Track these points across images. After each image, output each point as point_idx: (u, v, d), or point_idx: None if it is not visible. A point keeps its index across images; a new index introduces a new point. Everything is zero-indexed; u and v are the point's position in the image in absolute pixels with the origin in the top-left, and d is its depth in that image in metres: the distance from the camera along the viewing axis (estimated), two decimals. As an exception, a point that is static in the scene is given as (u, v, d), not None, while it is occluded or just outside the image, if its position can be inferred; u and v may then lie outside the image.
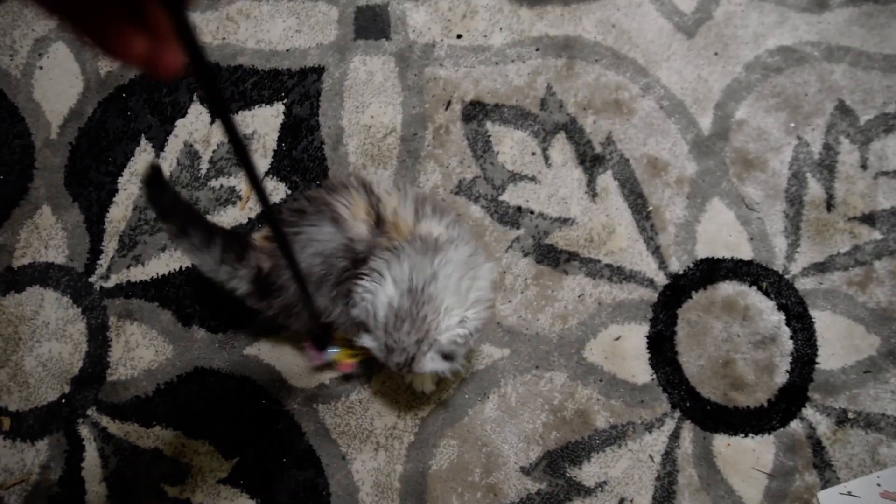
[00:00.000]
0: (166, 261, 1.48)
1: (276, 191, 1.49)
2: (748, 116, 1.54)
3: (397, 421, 1.38)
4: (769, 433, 1.38)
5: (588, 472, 1.35)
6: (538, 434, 1.37)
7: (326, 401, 1.40)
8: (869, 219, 1.48)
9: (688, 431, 1.37)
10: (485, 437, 1.37)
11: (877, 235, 1.47)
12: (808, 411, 1.38)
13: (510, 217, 1.47)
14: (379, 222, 1.11)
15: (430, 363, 1.07)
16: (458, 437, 1.37)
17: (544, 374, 1.40)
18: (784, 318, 1.43)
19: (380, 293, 1.07)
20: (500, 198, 1.48)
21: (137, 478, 1.40)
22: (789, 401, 1.39)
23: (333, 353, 1.34)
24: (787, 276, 1.45)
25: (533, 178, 1.49)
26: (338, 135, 1.52)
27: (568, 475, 1.34)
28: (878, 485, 1.34)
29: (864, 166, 1.51)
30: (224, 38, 1.59)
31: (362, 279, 1.09)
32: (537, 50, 1.57)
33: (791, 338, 1.42)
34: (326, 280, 1.14)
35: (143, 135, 1.55)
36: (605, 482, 1.35)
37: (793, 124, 1.53)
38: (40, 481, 1.41)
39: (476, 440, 1.37)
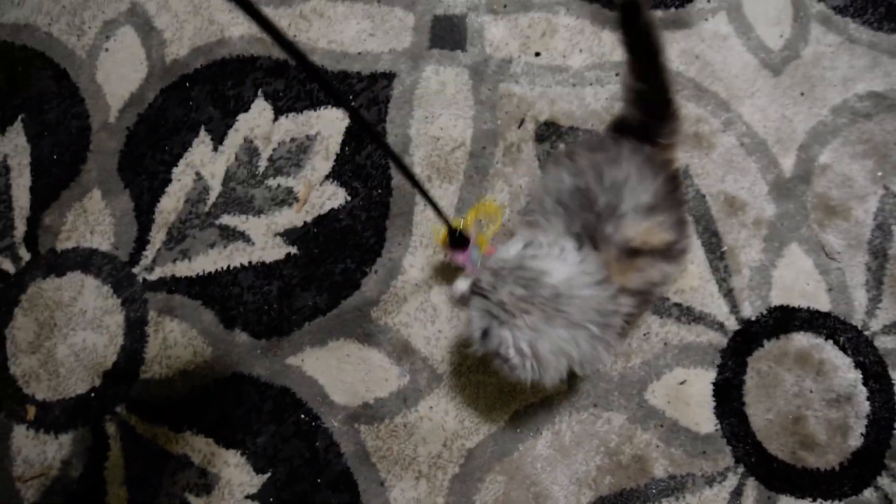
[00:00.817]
0: (214, 258, 1.42)
1: (335, 196, 1.44)
2: (833, 161, 1.47)
3: (442, 450, 1.30)
4: (839, 500, 1.28)
5: (643, 524, 1.26)
6: (591, 477, 1.29)
7: (369, 421, 1.32)
8: (958, 279, 1.39)
9: (751, 489, 1.28)
10: (534, 475, 1.28)
11: (966, 298, 1.38)
12: (883, 480, 1.29)
13: (577, 244, 1.39)
14: None
15: None
16: (505, 472, 1.29)
17: (602, 413, 1.32)
18: (861, 376, 1.35)
19: None
20: (569, 223, 1.41)
21: (161, 484, 1.33)
22: (863, 466, 1.30)
23: (475, 250, 1.20)
24: (866, 333, 1.36)
25: (604, 206, 1.42)
26: (404, 143, 1.46)
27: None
28: (958, 567, 1.24)
29: (954, 224, 1.43)
30: (295, 36, 1.55)
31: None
32: (617, 75, 1.51)
33: (868, 399, 1.33)
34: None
35: (202, 126, 1.50)
36: (660, 536, 1.26)
37: (880, 173, 1.46)
38: (60, 477, 1.34)
39: (525, 478, 1.28)
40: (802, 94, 1.52)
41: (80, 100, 1.56)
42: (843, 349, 1.37)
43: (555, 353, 0.93)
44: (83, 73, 1.58)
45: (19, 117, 1.56)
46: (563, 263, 0.95)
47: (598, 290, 0.95)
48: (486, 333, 0.96)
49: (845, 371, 1.35)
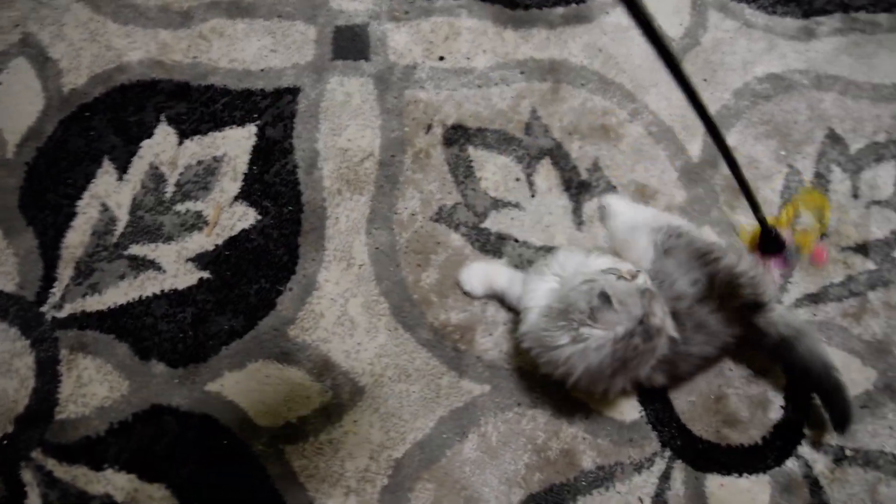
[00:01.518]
0: (125, 290, 1.40)
1: (245, 216, 1.43)
2: (738, 144, 1.51)
3: (369, 462, 1.30)
4: (764, 472, 1.32)
5: (575, 519, 1.27)
6: (521, 476, 1.30)
7: (294, 441, 1.32)
8: (862, 249, 1.44)
9: (679, 472, 1.31)
10: (464, 479, 1.29)
11: (870, 266, 1.43)
12: (804, 449, 1.33)
13: (492, 245, 1.41)
14: None
15: None
16: (434, 479, 1.29)
17: (527, 411, 1.33)
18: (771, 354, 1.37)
19: None
20: (482, 225, 1.43)
21: (85, 526, 1.29)
22: (785, 438, 1.34)
23: (794, 250, 1.10)
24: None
25: (516, 205, 1.44)
26: (312, 158, 1.46)
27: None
28: (881, 528, 1.27)
29: (855, 195, 1.48)
30: (195, 57, 1.54)
31: None
32: (522, 73, 1.53)
33: (785, 371, 1.36)
34: None
35: (105, 156, 1.49)
36: (593, 529, 1.27)
37: (783, 152, 1.50)
38: (-24, 530, 1.30)
39: (454, 483, 1.29)
40: (705, 80, 1.56)
41: (-27, 136, 1.52)
42: (760, 327, 1.40)
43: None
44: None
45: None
46: None
47: None
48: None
49: (763, 348, 1.38)
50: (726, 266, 1.17)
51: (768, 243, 1.04)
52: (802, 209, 1.05)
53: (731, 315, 1.19)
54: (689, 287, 1.16)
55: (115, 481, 1.33)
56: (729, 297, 1.18)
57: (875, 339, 1.41)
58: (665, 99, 1.55)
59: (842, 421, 1.27)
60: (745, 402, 1.36)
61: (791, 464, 1.33)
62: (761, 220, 1.00)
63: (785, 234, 1.03)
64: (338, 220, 1.44)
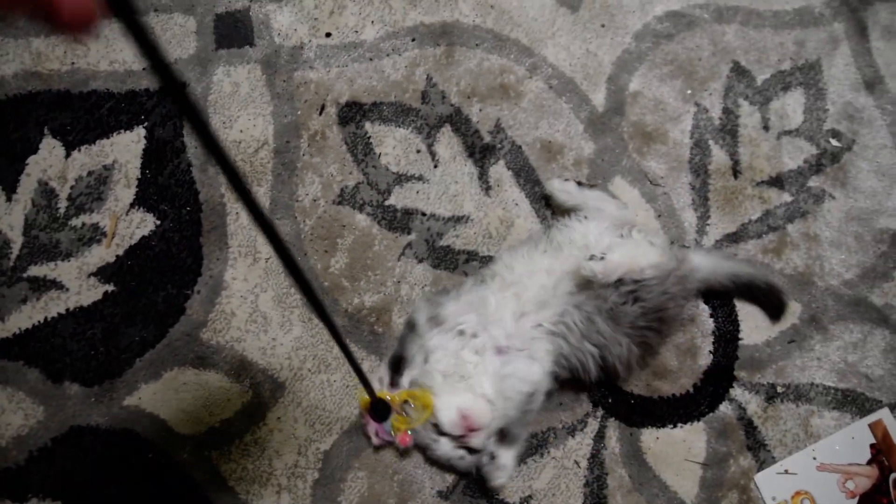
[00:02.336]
0: (29, 313, 1.37)
1: (144, 223, 1.40)
2: (643, 87, 1.49)
3: (298, 458, 1.30)
4: (699, 420, 1.33)
5: (511, 488, 1.28)
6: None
7: (218, 446, 1.31)
8: (777, 181, 1.44)
9: (613, 430, 1.31)
10: (395, 464, 1.29)
11: (786, 198, 1.43)
12: (736, 391, 1.33)
13: (399, 222, 1.39)
14: None
15: None
16: (365, 467, 1.29)
17: (453, 386, 1.32)
18: (701, 295, 1.37)
19: None
20: (387, 202, 1.41)
21: (15, 559, 1.28)
22: (716, 383, 1.35)
23: (390, 428, 1.26)
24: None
25: (420, 178, 1.42)
26: (206, 155, 1.42)
27: (489, 493, 1.26)
28: (814, 458, 1.29)
29: (766, 127, 1.47)
30: (73, 63, 1.49)
31: None
32: (413, 40, 1.50)
33: (711, 315, 1.37)
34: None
35: (-10, 178, 1.43)
36: (529, 496, 1.28)
37: (689, 91, 1.49)
38: None
39: (386, 468, 1.29)
40: (603, 25, 1.53)
41: None
42: (680, 271, 1.39)
43: None
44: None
45: None
46: None
47: None
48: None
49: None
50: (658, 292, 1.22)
51: (378, 411, 1.23)
52: (411, 401, 1.23)
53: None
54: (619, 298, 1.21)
55: (41, 510, 1.31)
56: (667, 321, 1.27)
57: (797, 272, 1.41)
58: (564, 49, 1.52)
59: (777, 305, 1.36)
60: (674, 352, 1.36)
61: (724, 408, 1.34)
62: (372, 394, 1.17)
63: (394, 409, 1.23)
64: (238, 215, 1.42)
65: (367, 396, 1.18)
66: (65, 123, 1.48)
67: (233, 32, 1.52)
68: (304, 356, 1.35)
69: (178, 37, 1.53)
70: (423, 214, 1.42)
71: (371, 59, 1.51)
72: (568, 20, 1.54)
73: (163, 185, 1.44)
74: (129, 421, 1.34)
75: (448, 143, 1.46)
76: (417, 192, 1.43)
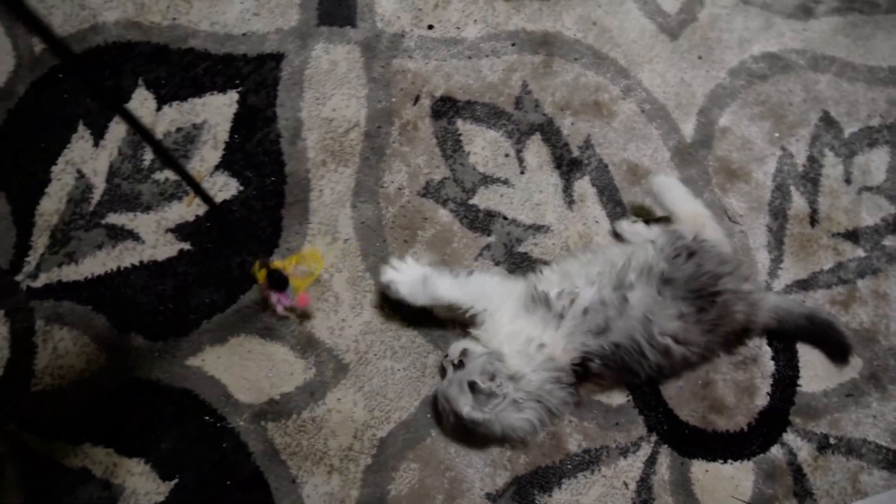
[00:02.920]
0: (103, 260, 1.39)
1: (227, 187, 1.41)
2: (732, 124, 1.51)
3: (353, 441, 1.31)
4: (749, 459, 1.35)
5: (559, 500, 1.30)
6: (506, 458, 1.32)
7: (276, 418, 1.32)
8: (852, 235, 1.46)
9: (665, 457, 1.33)
10: (448, 460, 1.31)
11: (860, 253, 1.45)
12: (788, 436, 1.36)
13: (480, 222, 1.41)
14: None
15: None
16: (419, 460, 1.31)
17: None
18: (765, 337, 1.40)
19: None
20: (471, 201, 1.43)
21: (62, 501, 1.29)
22: (770, 425, 1.37)
23: (292, 290, 1.30)
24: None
25: (506, 182, 1.44)
26: (296, 128, 1.45)
27: (537, 503, 1.28)
28: (859, 515, 1.31)
29: (847, 180, 1.49)
30: (175, 19, 1.51)
31: None
32: (513, 45, 1.52)
33: (773, 358, 1.39)
34: None
35: (80, 120, 1.46)
36: (575, 509, 1.30)
37: (777, 134, 1.51)
38: (-55, 508, 1.30)
39: (439, 464, 1.30)
40: (700, 57, 1.55)
41: (-59, 98, 1.48)
42: (747, 310, 1.42)
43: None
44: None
45: None
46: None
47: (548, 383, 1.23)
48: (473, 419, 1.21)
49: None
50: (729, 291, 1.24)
51: (275, 281, 1.26)
52: (301, 262, 1.30)
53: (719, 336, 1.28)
54: (676, 320, 1.22)
55: (93, 455, 1.33)
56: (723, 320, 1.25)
57: (862, 328, 1.43)
58: (659, 76, 1.54)
59: (842, 351, 1.38)
60: (732, 389, 1.38)
61: (775, 451, 1.36)
62: (265, 265, 1.24)
63: (289, 275, 1.28)
64: (322, 192, 1.43)
65: (262, 270, 1.24)
66: (160, 77, 1.50)
67: (336, 11, 1.54)
68: (371, 341, 1.37)
69: (282, 7, 1.54)
70: (505, 218, 1.44)
71: (470, 58, 1.52)
72: (666, 47, 1.56)
73: (250, 152, 1.46)
74: (190, 381, 1.36)
75: (537, 152, 1.48)
76: (501, 196, 1.45)
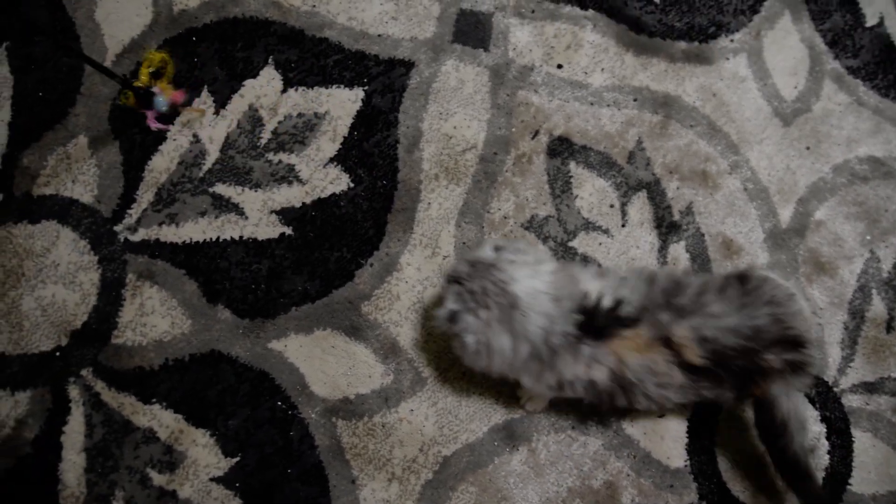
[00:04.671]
0: (204, 227, 1.42)
1: (338, 180, 1.45)
2: (827, 219, 1.57)
3: (418, 454, 1.35)
4: (792, 546, 1.39)
5: (605, 550, 1.34)
6: (561, 498, 1.36)
7: (348, 417, 1.36)
8: (926, 349, 1.52)
9: (710, 527, 1.38)
10: (506, 490, 1.35)
11: (931, 367, 1.51)
12: (833, 531, 1.40)
13: (576, 266, 1.46)
14: None
15: None
16: (478, 484, 1.34)
17: (579, 437, 1.39)
18: (825, 430, 1.46)
19: None
20: (570, 243, 1.47)
21: (123, 455, 1.34)
22: (816, 517, 1.40)
23: (163, 101, 1.42)
24: (835, 389, 1.48)
25: (606, 231, 1.49)
26: (415, 137, 1.49)
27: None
28: None
29: (930, 296, 1.55)
30: (314, 6, 1.55)
31: None
32: (635, 100, 1.57)
33: (829, 452, 1.44)
34: None
35: (206, 86, 1.49)
36: (620, 563, 1.34)
37: (868, 237, 1.57)
38: (12, 436, 1.33)
39: (496, 492, 1.34)
40: (808, 148, 1.61)
41: (74, 37, 1.52)
42: (813, 402, 1.48)
43: (499, 352, 1.15)
44: (81, 7, 1.54)
45: (3, 45, 1.51)
46: (531, 278, 1.14)
47: (553, 307, 1.14)
48: (453, 316, 1.14)
49: (812, 423, 1.45)
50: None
51: (142, 100, 1.37)
52: (152, 66, 1.44)
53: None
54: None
55: (162, 418, 1.36)
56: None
57: (920, 440, 1.49)
58: (767, 158, 1.60)
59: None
60: (786, 472, 1.43)
61: (817, 540, 1.41)
62: (132, 87, 1.37)
63: (153, 89, 1.40)
64: (430, 205, 1.48)
65: (127, 97, 1.38)
66: (290, 60, 1.54)
67: (472, 31, 1.59)
68: (452, 360, 1.41)
69: (420, 16, 1.59)
70: (600, 267, 1.49)
71: (592, 104, 1.58)
72: (777, 132, 1.62)
73: (366, 151, 1.50)
74: (269, 364, 1.39)
75: (640, 208, 1.53)
76: (600, 244, 1.50)
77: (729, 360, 1.17)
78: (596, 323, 1.16)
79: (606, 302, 1.18)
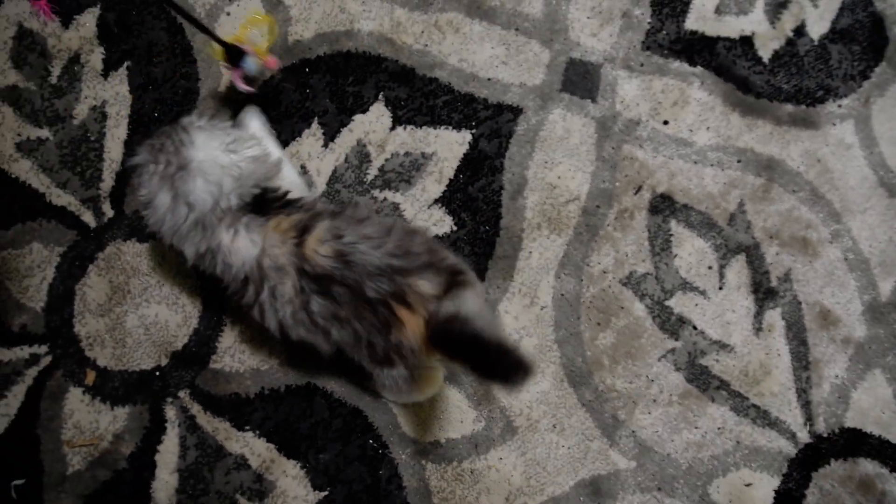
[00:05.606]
0: (306, 259, 1.43)
1: (442, 222, 1.47)
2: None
3: (504, 502, 1.35)
4: None
5: None
6: (643, 559, 1.36)
7: (437, 460, 1.37)
8: None
9: None
10: (588, 547, 1.35)
11: None
12: None
13: (671, 325, 1.47)
14: None
15: None
16: (561, 538, 1.35)
17: (665, 499, 1.39)
18: None
19: None
20: (667, 302, 1.48)
21: (214, 480, 1.36)
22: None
23: (252, 59, 1.35)
24: (927, 473, 1.45)
25: (703, 293, 1.49)
26: (520, 184, 1.50)
27: None
28: None
29: None
30: (426, 45, 1.57)
31: None
32: (739, 161, 1.57)
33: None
34: None
35: (316, 118, 1.52)
36: None
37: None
38: (110, 450, 1.37)
39: (579, 548, 1.35)
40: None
41: (191, 60, 1.55)
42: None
43: (158, 208, 1.17)
44: (199, 33, 1.56)
45: (125, 64, 1.55)
46: (217, 150, 1.17)
47: (229, 182, 1.16)
48: (135, 168, 1.20)
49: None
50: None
51: (233, 56, 1.31)
52: (252, 28, 1.36)
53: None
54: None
55: (254, 445, 1.38)
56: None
57: None
58: (869, 229, 1.59)
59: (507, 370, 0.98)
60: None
61: None
62: (224, 41, 1.31)
63: (245, 48, 1.32)
64: (531, 254, 1.49)
65: (217, 46, 1.30)
66: (400, 97, 1.56)
67: (581, 81, 1.60)
68: (543, 411, 1.42)
69: (530, 63, 1.60)
70: (695, 328, 1.49)
71: (696, 163, 1.58)
72: (882, 202, 1.61)
73: (471, 195, 1.52)
74: (364, 402, 1.42)
75: (738, 272, 1.53)
76: (696, 305, 1.50)
77: (363, 277, 1.07)
78: (266, 202, 1.19)
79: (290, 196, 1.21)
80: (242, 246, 1.14)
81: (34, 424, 1.41)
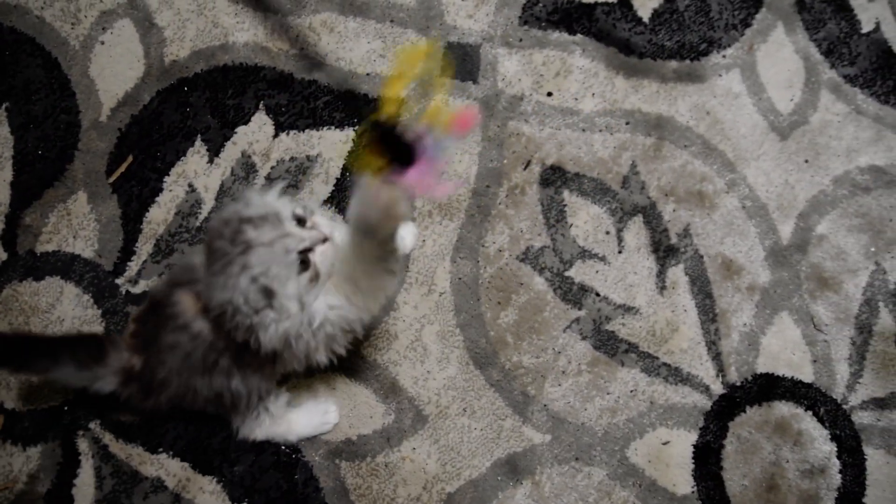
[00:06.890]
0: (202, 276, 1.44)
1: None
2: (829, 232, 1.56)
3: (422, 492, 1.37)
4: (802, 568, 1.38)
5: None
6: (566, 530, 1.37)
7: (351, 458, 1.38)
8: (937, 362, 1.50)
9: (721, 554, 1.38)
10: (511, 524, 1.36)
11: (942, 381, 1.49)
12: (846, 555, 1.39)
13: (573, 295, 1.47)
14: None
15: None
16: (483, 519, 1.36)
17: (583, 468, 1.40)
18: (836, 449, 1.45)
19: None
20: (566, 273, 1.48)
21: (133, 505, 1.36)
22: (829, 539, 1.40)
23: (433, 138, 0.80)
24: (844, 407, 1.47)
25: (603, 259, 1.50)
26: (407, 175, 1.50)
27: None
28: None
29: (939, 307, 1.53)
30: (302, 49, 1.59)
31: None
32: (627, 124, 1.57)
33: (840, 472, 1.44)
34: None
35: (199, 135, 1.53)
36: None
37: (873, 249, 1.56)
38: (26, 491, 1.37)
39: (502, 526, 1.36)
40: (807, 161, 1.61)
41: (70, 93, 1.56)
42: (822, 421, 1.47)
43: None
44: (76, 64, 1.58)
45: (3, 106, 1.56)
46: None
47: None
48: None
49: (821, 443, 1.45)
50: None
51: (396, 151, 0.75)
52: (408, 80, 0.78)
53: None
54: None
55: (169, 466, 1.39)
56: None
57: (935, 454, 1.48)
58: (764, 174, 1.60)
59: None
60: (797, 496, 1.43)
61: (829, 563, 1.41)
62: (376, 124, 0.74)
63: (406, 124, 0.77)
64: (424, 242, 1.50)
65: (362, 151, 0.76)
66: (281, 104, 1.57)
67: (461, 65, 1.61)
68: (452, 397, 1.43)
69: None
70: (597, 295, 1.49)
71: (584, 130, 1.59)
72: (775, 146, 1.62)
73: (359, 192, 1.52)
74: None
75: (636, 233, 1.53)
76: (597, 272, 1.51)
77: None
78: None
79: None
80: None
81: (-50, 475, 1.42)
